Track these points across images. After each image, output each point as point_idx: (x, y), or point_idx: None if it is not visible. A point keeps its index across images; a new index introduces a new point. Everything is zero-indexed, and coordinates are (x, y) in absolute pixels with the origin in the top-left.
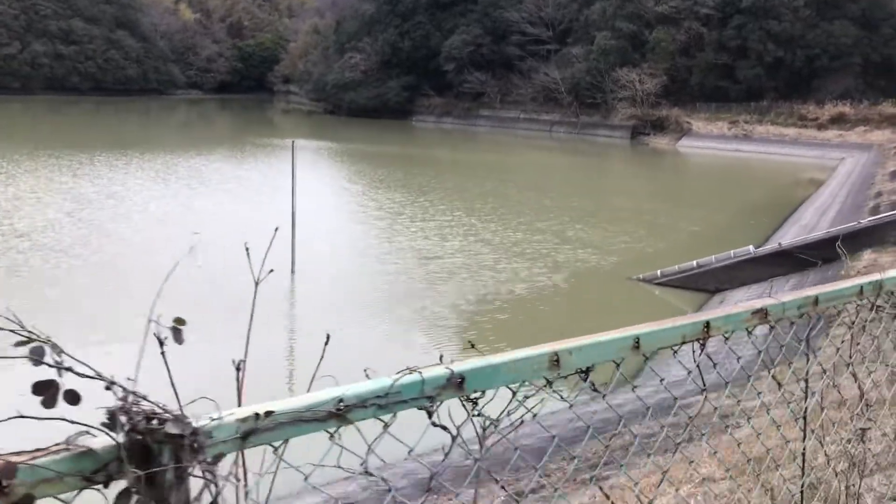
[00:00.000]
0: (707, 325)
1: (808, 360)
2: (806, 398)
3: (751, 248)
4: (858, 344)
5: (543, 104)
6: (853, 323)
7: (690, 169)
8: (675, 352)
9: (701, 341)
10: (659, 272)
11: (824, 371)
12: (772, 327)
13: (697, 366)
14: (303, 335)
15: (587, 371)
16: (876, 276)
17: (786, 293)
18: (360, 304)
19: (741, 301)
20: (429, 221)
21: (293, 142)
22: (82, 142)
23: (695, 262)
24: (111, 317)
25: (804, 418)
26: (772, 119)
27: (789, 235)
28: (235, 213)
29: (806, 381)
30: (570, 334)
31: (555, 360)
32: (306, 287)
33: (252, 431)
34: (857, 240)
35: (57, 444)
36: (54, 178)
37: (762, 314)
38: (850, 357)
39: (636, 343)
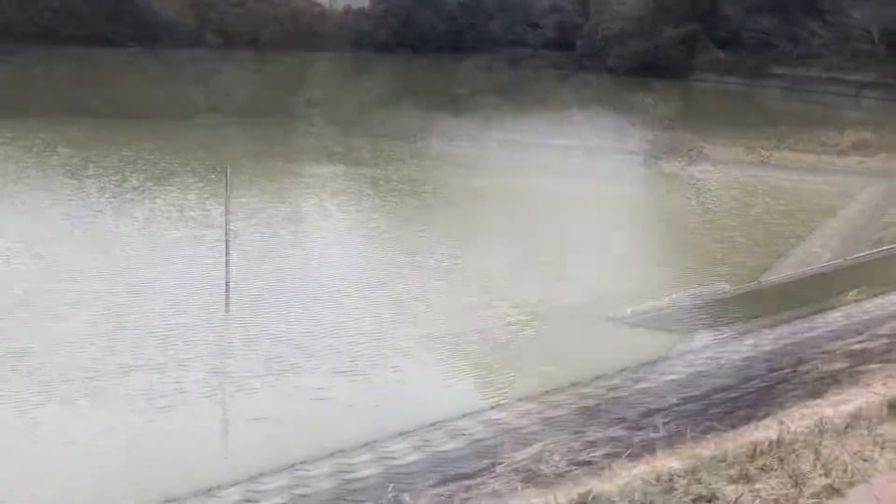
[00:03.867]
0: None
1: None
2: None
3: (727, 285)
4: None
5: (849, 59)
6: None
7: None
8: None
9: None
10: (629, 310)
11: None
12: None
13: None
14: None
15: None
16: None
17: None
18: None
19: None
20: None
21: (227, 168)
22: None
23: (666, 300)
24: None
25: None
26: None
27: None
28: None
29: None
30: None
31: None
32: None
33: None
34: (845, 278)
35: None
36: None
37: None
38: None
39: None
